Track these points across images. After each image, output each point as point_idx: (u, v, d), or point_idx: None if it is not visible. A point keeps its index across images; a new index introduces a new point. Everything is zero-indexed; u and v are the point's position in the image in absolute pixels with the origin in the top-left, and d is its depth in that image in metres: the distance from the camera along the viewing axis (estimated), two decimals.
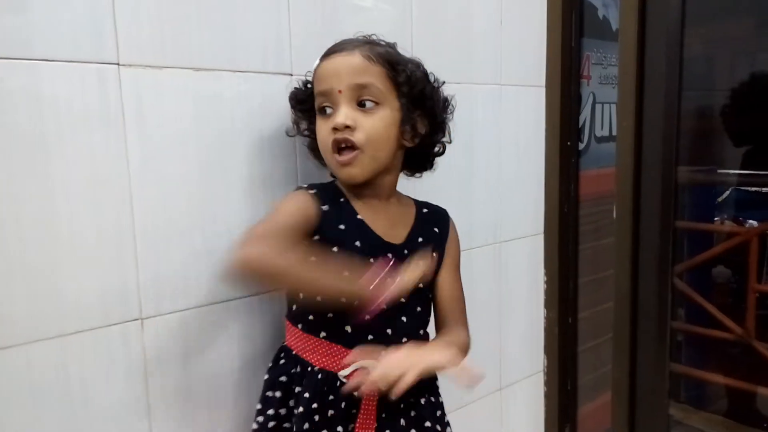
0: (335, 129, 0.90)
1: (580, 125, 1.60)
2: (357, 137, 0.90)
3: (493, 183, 1.43)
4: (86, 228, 0.87)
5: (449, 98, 1.01)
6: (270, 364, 0.98)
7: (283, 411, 0.94)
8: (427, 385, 0.99)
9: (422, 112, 0.97)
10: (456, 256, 1.05)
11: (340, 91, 0.90)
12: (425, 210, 1.04)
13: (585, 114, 1.62)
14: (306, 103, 0.97)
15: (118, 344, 0.91)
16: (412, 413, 0.96)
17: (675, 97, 1.33)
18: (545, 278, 1.60)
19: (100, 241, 0.88)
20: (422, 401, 0.98)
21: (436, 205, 1.06)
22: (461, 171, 1.36)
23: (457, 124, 1.33)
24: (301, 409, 0.91)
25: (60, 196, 0.84)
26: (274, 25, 1.03)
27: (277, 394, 0.94)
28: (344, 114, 0.90)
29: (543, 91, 1.52)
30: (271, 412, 0.94)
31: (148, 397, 0.94)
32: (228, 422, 1.03)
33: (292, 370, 0.94)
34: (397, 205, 1.01)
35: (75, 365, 0.88)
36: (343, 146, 0.91)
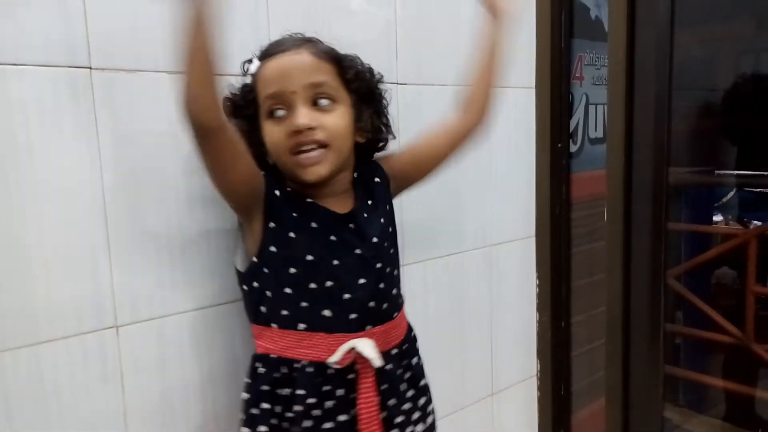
0: (297, 132, 0.86)
1: (573, 127, 1.59)
2: (320, 136, 0.88)
3: (483, 185, 1.41)
4: (58, 236, 0.86)
5: (387, 92, 1.00)
6: (248, 381, 0.93)
7: (274, 421, 0.90)
8: (415, 347, 1.01)
9: (370, 108, 0.96)
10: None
11: (294, 92, 0.87)
12: (356, 174, 0.99)
13: (578, 115, 1.60)
14: (246, 109, 0.91)
15: (93, 352, 0.90)
16: (407, 375, 0.96)
17: (665, 99, 1.32)
18: (537, 281, 1.58)
19: (73, 248, 0.87)
20: (413, 362, 0.98)
21: (364, 164, 1.02)
22: (450, 173, 1.34)
23: None
24: (298, 408, 0.88)
25: (31, 203, 0.83)
26: (252, 28, 1.01)
27: (265, 405, 0.90)
28: (305, 114, 0.87)
29: (533, 93, 1.51)
30: (263, 429, 0.89)
31: (124, 405, 0.93)
32: (205, 429, 1.01)
33: (275, 375, 0.90)
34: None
35: (49, 373, 0.87)
36: (305, 148, 0.87)
